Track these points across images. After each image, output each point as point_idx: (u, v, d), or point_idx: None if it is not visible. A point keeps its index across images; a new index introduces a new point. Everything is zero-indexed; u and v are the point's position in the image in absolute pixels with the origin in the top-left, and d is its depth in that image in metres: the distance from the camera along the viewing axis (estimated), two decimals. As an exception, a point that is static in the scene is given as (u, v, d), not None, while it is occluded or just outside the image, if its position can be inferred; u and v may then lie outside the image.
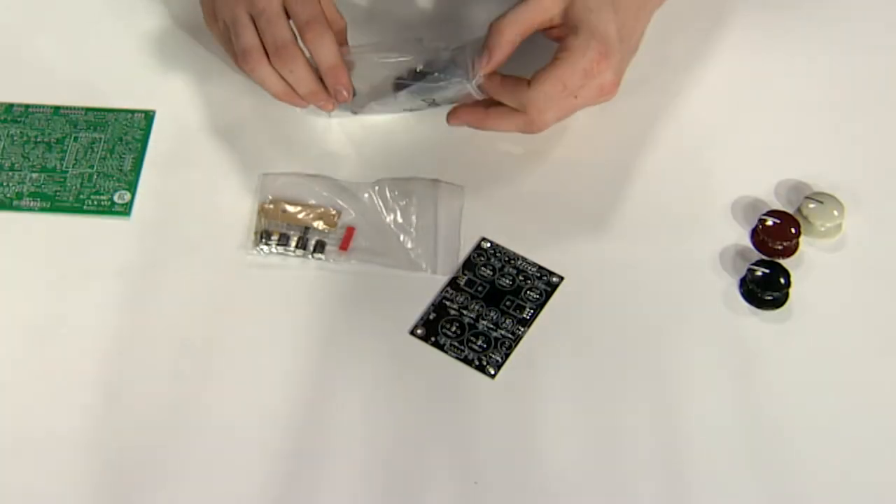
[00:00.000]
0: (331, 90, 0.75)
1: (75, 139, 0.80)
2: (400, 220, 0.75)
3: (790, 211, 0.76)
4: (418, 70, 0.76)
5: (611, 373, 0.69)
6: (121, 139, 0.79)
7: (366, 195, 0.76)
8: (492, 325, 0.71)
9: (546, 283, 0.73)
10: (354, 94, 0.76)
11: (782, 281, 0.72)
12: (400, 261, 0.74)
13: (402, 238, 0.75)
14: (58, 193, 0.77)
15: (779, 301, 0.72)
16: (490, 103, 0.75)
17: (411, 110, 0.80)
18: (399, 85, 0.77)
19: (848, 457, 0.66)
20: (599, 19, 0.72)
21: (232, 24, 0.75)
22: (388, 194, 0.76)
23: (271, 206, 0.75)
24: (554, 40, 0.74)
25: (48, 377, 0.69)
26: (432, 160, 0.79)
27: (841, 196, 0.76)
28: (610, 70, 0.72)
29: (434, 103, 0.77)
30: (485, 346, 0.70)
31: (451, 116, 0.77)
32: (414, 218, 0.76)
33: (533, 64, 0.73)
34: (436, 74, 0.75)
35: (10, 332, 0.71)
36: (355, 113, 0.79)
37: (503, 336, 0.71)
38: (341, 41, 0.77)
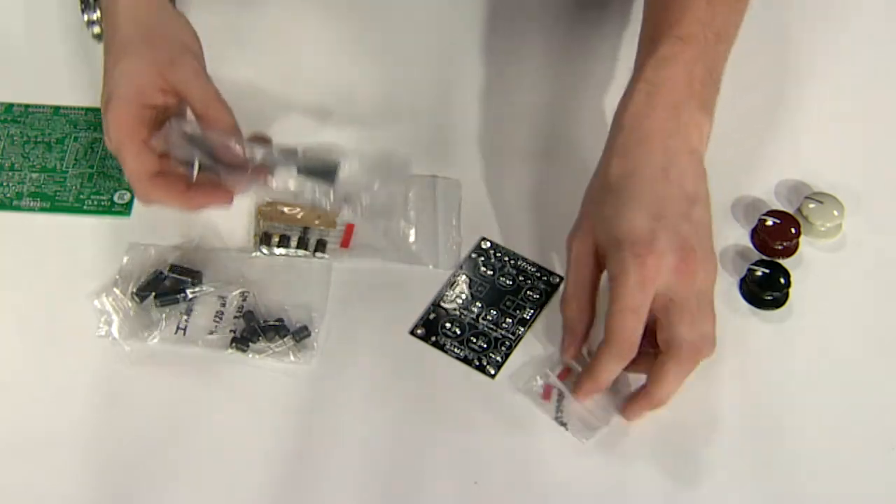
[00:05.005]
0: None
1: (75, 139, 0.80)
2: (399, 215, 0.75)
3: (790, 211, 0.76)
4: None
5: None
6: (121, 139, 0.79)
7: (364, 193, 0.76)
8: (492, 325, 0.71)
9: (546, 283, 0.73)
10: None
11: (782, 281, 0.72)
12: (402, 255, 0.74)
13: (402, 233, 0.75)
14: (58, 193, 0.77)
15: (779, 301, 0.72)
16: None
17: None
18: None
19: (847, 456, 0.66)
20: (620, 222, 0.63)
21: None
22: (385, 191, 0.76)
23: (269, 208, 0.75)
24: None
25: (48, 377, 0.69)
26: (430, 160, 0.79)
27: (841, 196, 0.76)
28: (668, 255, 0.61)
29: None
30: (485, 346, 0.70)
31: (625, 413, 0.67)
32: (413, 213, 0.76)
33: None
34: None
35: (11, 332, 0.71)
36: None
37: (503, 336, 0.71)
38: (229, 128, 0.70)
